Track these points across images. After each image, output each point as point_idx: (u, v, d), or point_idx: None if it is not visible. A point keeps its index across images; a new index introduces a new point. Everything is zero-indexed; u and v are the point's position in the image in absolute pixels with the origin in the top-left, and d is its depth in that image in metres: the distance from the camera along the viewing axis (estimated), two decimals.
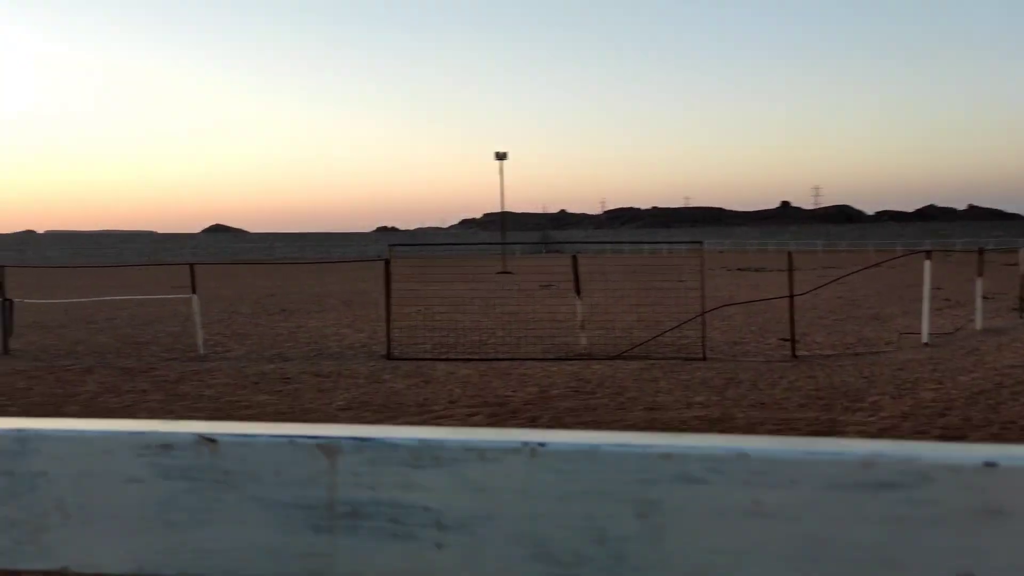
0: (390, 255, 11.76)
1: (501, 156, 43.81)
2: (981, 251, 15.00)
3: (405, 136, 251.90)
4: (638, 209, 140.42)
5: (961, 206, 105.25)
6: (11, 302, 12.16)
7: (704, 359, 10.68)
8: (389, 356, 11.01)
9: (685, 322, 12.34)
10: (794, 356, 10.87)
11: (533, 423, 7.00)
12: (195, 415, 7.51)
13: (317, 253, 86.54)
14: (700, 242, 12.32)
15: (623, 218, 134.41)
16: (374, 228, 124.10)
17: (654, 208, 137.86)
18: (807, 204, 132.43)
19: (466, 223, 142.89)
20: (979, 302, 13.97)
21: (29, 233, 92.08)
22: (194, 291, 12.08)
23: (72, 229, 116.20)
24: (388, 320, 11.34)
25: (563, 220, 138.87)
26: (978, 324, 13.64)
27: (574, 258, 11.76)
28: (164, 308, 19.42)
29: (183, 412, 7.65)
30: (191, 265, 12.30)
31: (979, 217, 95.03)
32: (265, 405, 7.93)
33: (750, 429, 6.66)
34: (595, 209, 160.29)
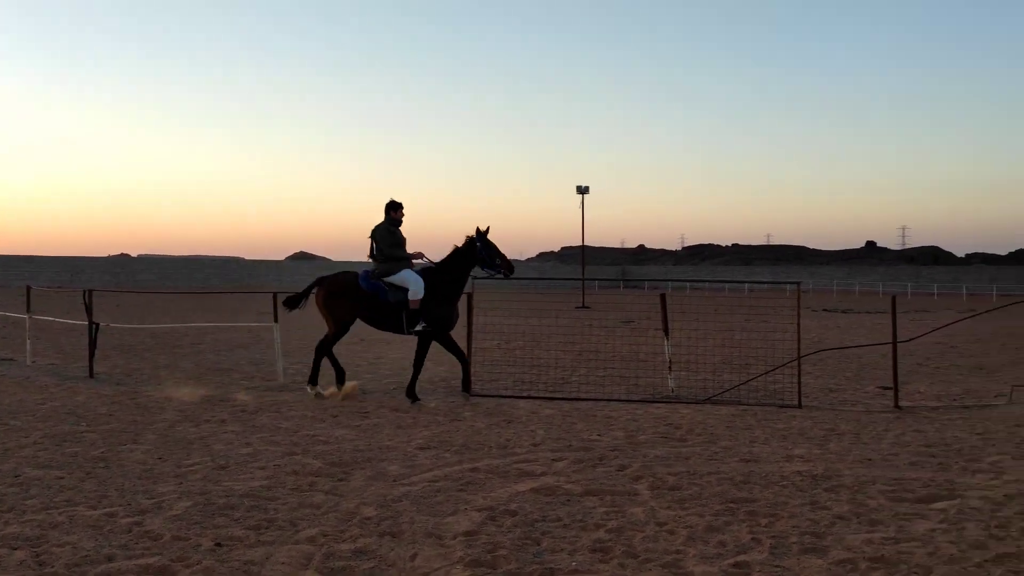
0: (473, 288, 11.57)
1: (583, 190, 43.61)
2: None
3: (484, 166, 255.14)
4: (718, 246, 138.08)
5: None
6: (97, 325, 12.42)
7: (800, 407, 10.12)
8: (470, 392, 10.77)
9: (780, 366, 11.76)
10: (897, 407, 10.19)
11: (622, 471, 6.62)
12: (271, 448, 7.38)
13: None
14: (798, 282, 11.75)
15: (703, 254, 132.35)
16: None
17: (734, 245, 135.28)
18: (894, 244, 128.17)
19: (544, 256, 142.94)
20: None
21: (123, 256, 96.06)
22: (276, 319, 12.12)
23: (164, 253, 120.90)
24: (469, 354, 11.11)
25: (642, 255, 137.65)
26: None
27: (663, 296, 11.36)
28: (249, 335, 19.73)
29: (259, 445, 7.54)
30: (274, 294, 12.36)
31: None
32: (342, 441, 7.76)
33: (859, 488, 6.14)
34: (674, 244, 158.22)
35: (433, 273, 10.38)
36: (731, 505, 5.68)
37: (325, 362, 10.53)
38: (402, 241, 10.33)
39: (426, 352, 10.40)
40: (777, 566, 4.51)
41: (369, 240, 10.32)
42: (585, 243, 55.74)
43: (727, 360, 14.96)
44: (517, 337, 17.76)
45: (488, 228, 10.40)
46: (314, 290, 10.62)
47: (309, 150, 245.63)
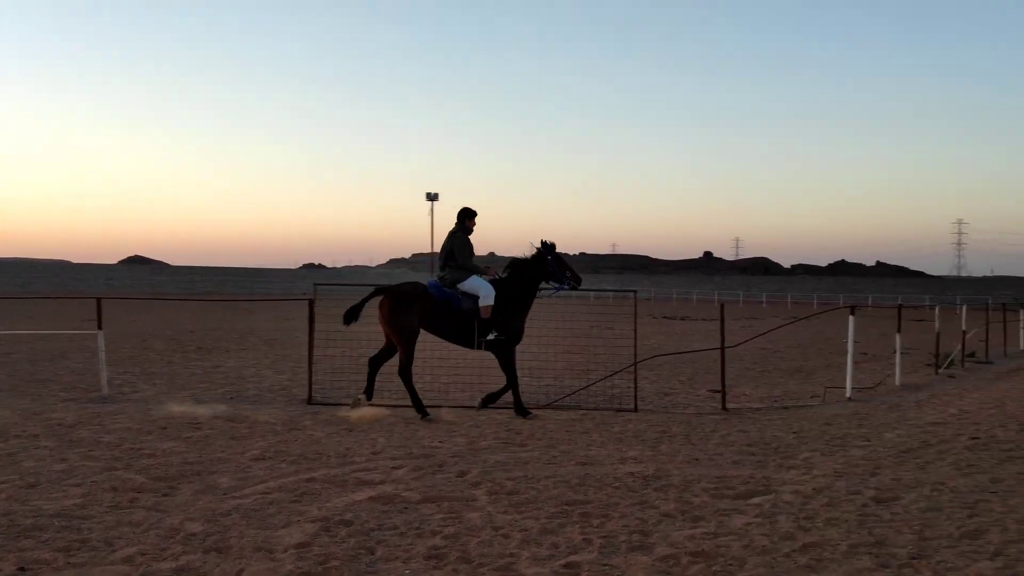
0: (315, 294, 11.29)
1: (432, 197, 43.55)
2: (900, 307, 15.35)
3: (332, 171, 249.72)
4: (566, 254, 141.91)
5: (870, 262, 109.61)
6: None
7: (636, 410, 10.51)
8: (311, 400, 10.49)
9: (618, 371, 12.17)
10: (724, 408, 10.79)
11: (461, 478, 6.64)
12: (89, 464, 6.89)
13: (240, 289, 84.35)
14: (634, 291, 12.21)
15: None
16: (300, 265, 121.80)
17: (582, 253, 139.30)
18: (728, 255, 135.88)
19: (395, 262, 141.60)
20: (898, 358, 14.25)
21: None
22: (100, 326, 11.34)
23: None
24: (310, 363, 10.84)
25: (495, 262, 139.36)
26: (897, 380, 13.89)
27: None
28: (71, 343, 18.36)
29: (76, 460, 7.02)
30: (98, 299, 11.57)
31: (886, 274, 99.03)
32: (170, 454, 7.35)
33: (686, 487, 6.44)
34: (525, 252, 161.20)
35: (502, 284, 10.06)
36: (566, 507, 5.82)
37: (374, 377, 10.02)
38: (472, 250, 9.97)
39: (513, 362, 10.00)
40: (605, 564, 4.66)
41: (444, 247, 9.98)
42: (436, 250, 55.75)
43: (570, 366, 15.33)
44: (363, 344, 17.47)
45: (554, 243, 10.24)
46: (369, 301, 9.94)
47: (149, 151, 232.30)
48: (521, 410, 9.81)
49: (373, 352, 10.26)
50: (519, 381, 10.20)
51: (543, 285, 10.31)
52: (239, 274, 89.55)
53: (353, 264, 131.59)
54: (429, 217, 44.10)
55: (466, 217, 10.11)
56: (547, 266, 10.11)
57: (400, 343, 9.69)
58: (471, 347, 10.02)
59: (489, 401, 10.14)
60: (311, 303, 10.97)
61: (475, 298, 9.77)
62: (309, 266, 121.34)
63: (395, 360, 9.94)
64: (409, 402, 9.76)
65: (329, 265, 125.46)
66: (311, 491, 6.11)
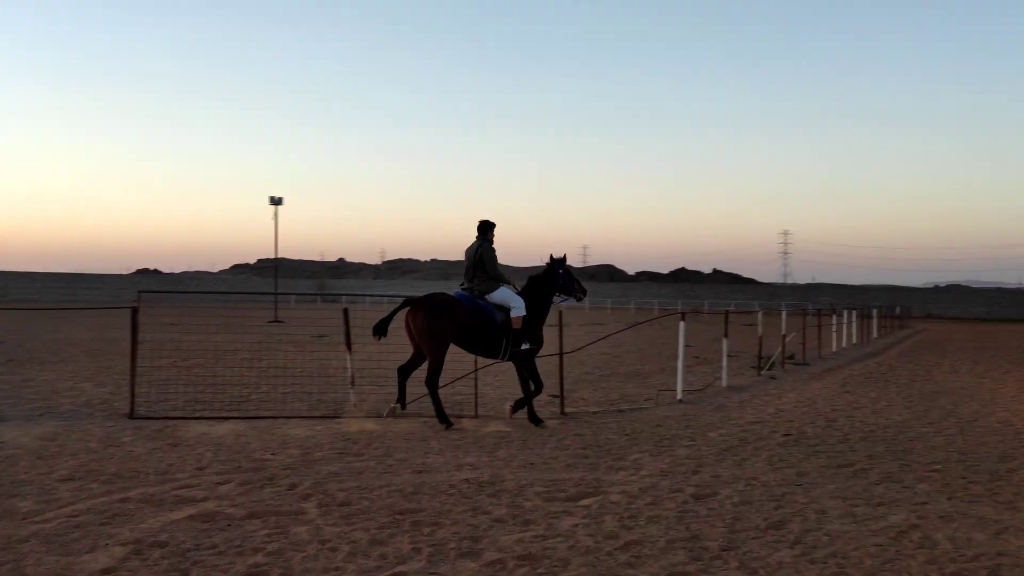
0: (140, 302, 10.65)
1: (276, 201, 42.18)
2: (727, 313, 16.27)
3: (169, 172, 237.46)
4: (418, 260, 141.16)
5: (707, 270, 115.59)
6: None
7: (476, 416, 10.57)
8: (132, 415, 9.89)
9: (461, 377, 12.21)
10: (563, 413, 11.05)
11: (292, 491, 6.44)
12: None
13: (64, 296, 78.45)
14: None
15: (403, 268, 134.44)
16: (133, 270, 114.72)
17: (433, 260, 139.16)
18: (577, 262, 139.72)
19: (238, 268, 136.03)
20: (725, 361, 15.11)
21: None
22: None
23: None
24: (133, 374, 10.20)
25: (342, 269, 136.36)
26: (724, 382, 14.72)
27: (345, 311, 11.28)
28: None
29: None
30: None
31: (721, 280, 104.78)
32: None
33: (519, 491, 6.54)
34: (375, 259, 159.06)
35: (524, 296, 10.17)
36: (398, 517, 5.76)
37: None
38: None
39: (535, 370, 10.10)
40: (433, 573, 4.64)
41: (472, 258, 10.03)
42: (282, 255, 54.06)
43: (417, 374, 15.25)
44: (197, 354, 16.69)
45: (565, 255, 10.55)
46: (399, 312, 9.83)
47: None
48: (534, 419, 9.94)
49: (401, 362, 10.24)
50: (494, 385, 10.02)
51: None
52: (63, 280, 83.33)
53: (193, 269, 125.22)
54: (273, 221, 42.48)
55: (488, 229, 10.21)
56: (559, 278, 10.44)
57: (432, 353, 9.69)
58: (497, 358, 10.14)
59: (523, 407, 10.16)
60: (134, 311, 10.34)
61: (506, 309, 9.92)
62: (143, 271, 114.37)
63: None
64: (238, 414, 9.37)
65: (166, 270, 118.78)
66: (124, 512, 5.74)
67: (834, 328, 25.68)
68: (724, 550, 5.06)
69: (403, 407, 10.06)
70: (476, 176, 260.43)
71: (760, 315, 19.88)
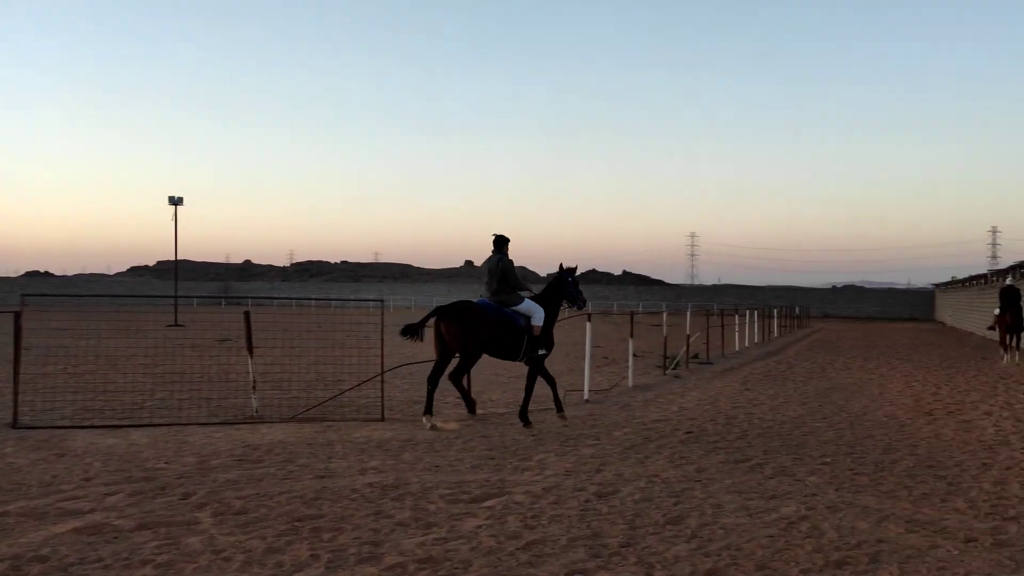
0: (23, 306, 10.11)
1: (176, 201, 40.78)
2: (632, 314, 16.59)
3: (59, 171, 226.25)
4: (327, 263, 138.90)
5: (617, 271, 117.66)
6: None
7: (383, 419, 10.46)
8: (15, 424, 9.37)
9: (365, 381, 12.06)
10: (471, 414, 11.03)
11: (185, 500, 6.22)
12: None
13: None
14: (381, 300, 12.17)
15: (312, 270, 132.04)
16: (22, 272, 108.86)
17: (343, 262, 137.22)
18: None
19: (137, 270, 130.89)
20: (631, 360, 15.40)
21: None
22: None
23: None
24: (16, 381, 9.67)
25: (248, 271, 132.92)
26: (630, 381, 15.00)
27: (247, 314, 10.99)
28: None
29: None
30: None
31: (631, 282, 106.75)
32: None
33: (423, 494, 6.49)
34: (283, 261, 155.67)
35: (539, 303, 10.85)
36: (297, 524, 5.64)
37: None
38: None
39: (545, 370, 10.75)
40: None
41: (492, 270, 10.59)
42: (184, 257, 52.29)
43: (321, 376, 14.99)
44: (89, 360, 15.97)
45: (576, 266, 11.25)
46: (431, 320, 10.32)
47: None
48: (527, 419, 10.34)
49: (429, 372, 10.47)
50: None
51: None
52: None
53: (88, 272, 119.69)
54: (173, 222, 41.07)
55: (505, 243, 10.84)
56: (567, 287, 11.08)
57: (466, 356, 10.38)
58: (515, 360, 10.77)
59: (559, 408, 10.81)
60: (17, 315, 9.80)
61: (527, 316, 10.59)
62: (32, 274, 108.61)
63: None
64: (132, 422, 9.01)
65: (58, 273, 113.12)
66: (2, 527, 5.42)
67: (737, 328, 26.52)
68: (623, 546, 5.14)
69: (473, 411, 10.89)
70: (387, 176, 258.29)
71: (665, 316, 20.34)
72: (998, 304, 21.56)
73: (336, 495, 6.45)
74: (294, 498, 6.34)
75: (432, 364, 10.46)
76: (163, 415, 10.51)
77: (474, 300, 10.68)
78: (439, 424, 10.10)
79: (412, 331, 10.29)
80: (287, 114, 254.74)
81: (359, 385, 11.90)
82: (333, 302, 75.38)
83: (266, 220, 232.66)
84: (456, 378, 10.66)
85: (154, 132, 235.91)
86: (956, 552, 5.05)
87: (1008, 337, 21.08)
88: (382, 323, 11.50)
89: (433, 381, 10.28)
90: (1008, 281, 22.89)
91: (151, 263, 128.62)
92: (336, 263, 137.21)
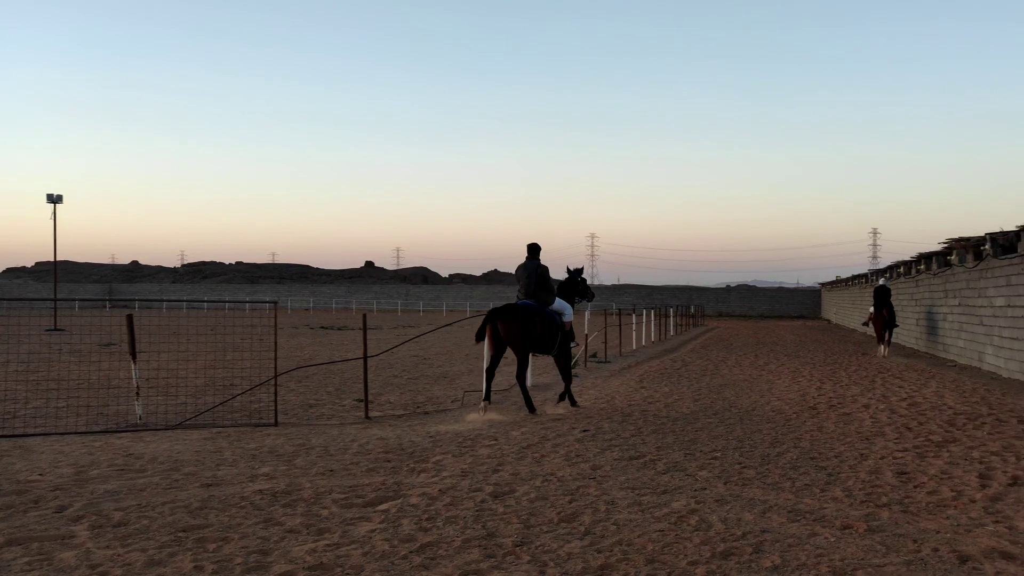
0: None
1: (55, 199, 38.67)
2: None
3: None
4: (221, 263, 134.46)
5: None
6: None
7: (276, 424, 10.19)
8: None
9: (258, 385, 11.72)
10: (368, 417, 10.88)
11: (60, 513, 5.88)
12: None
13: None
14: (275, 301, 11.86)
15: (205, 272, 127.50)
16: None
17: (238, 263, 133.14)
18: (390, 264, 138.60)
19: (13, 271, 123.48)
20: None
21: None
22: None
23: None
24: None
25: (135, 272, 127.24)
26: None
27: (129, 317, 10.50)
28: None
29: None
30: None
31: None
32: None
33: (316, 500, 6.34)
34: (173, 262, 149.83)
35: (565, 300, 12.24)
36: (181, 535, 5.41)
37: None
38: None
39: (570, 362, 12.17)
40: None
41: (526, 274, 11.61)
42: (65, 258, 49.67)
43: (212, 381, 14.50)
44: None
45: (583, 267, 12.81)
46: (489, 322, 11.26)
47: None
48: (571, 399, 11.91)
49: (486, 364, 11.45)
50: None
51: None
52: None
53: None
54: (52, 221, 38.96)
55: (538, 250, 11.89)
56: (578, 286, 12.52)
57: (521, 353, 11.37)
58: (549, 354, 11.79)
59: (572, 400, 11.97)
60: None
61: (560, 314, 11.78)
62: None
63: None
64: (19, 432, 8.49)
65: None
66: None
67: (634, 327, 27.10)
68: (517, 545, 5.15)
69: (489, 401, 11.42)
70: (284, 176, 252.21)
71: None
72: (872, 302, 23.89)
73: (224, 503, 6.23)
74: (178, 508, 6.09)
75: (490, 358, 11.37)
76: (38, 424, 9.94)
77: (518, 303, 11.58)
78: (494, 415, 10.95)
79: (482, 334, 11.40)
80: (178, 111, 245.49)
81: (251, 389, 11.56)
82: (227, 304, 73.13)
83: (155, 220, 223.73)
84: (493, 373, 11.36)
85: (31, 128, 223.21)
86: (833, 539, 5.28)
87: (882, 332, 23.19)
88: (275, 325, 11.20)
89: (490, 374, 11.28)
90: (881, 281, 25.17)
91: (29, 264, 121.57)
92: (231, 264, 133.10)
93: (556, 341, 11.62)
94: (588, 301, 12.90)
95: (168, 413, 10.84)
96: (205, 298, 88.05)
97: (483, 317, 11.51)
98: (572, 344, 11.97)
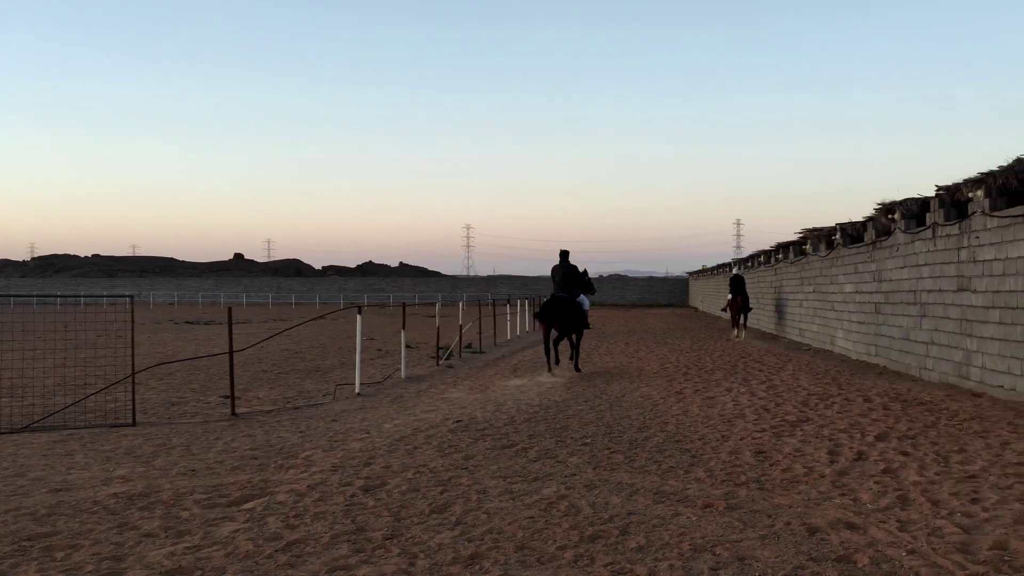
0: None
1: None
2: (404, 306, 16.58)
3: None
4: (76, 256, 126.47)
5: (394, 263, 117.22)
6: None
7: (135, 424, 9.68)
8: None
9: (114, 384, 11.10)
10: (234, 414, 10.50)
11: None
12: None
13: None
14: (131, 296, 11.24)
15: (57, 265, 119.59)
16: None
17: (95, 256, 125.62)
18: (260, 257, 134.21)
19: None
20: (403, 352, 15.38)
21: None
22: None
23: None
24: None
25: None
26: (403, 373, 14.98)
27: None
28: None
29: None
30: None
31: (408, 273, 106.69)
32: None
33: (176, 501, 6.06)
34: (22, 255, 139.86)
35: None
36: (25, 544, 5.05)
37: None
38: None
39: (578, 343, 15.61)
40: None
41: (562, 273, 15.19)
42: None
43: (65, 381, 13.62)
44: None
45: (586, 269, 15.92)
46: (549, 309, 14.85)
47: None
48: (578, 367, 15.35)
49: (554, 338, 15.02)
50: None
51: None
52: None
53: None
54: None
55: (568, 254, 15.35)
56: (583, 279, 15.47)
57: (564, 331, 14.96)
58: (573, 334, 15.19)
59: (577, 367, 15.35)
60: None
61: (581, 304, 15.24)
62: None
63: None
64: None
65: None
66: None
67: (508, 317, 27.35)
68: (387, 539, 5.09)
69: (558, 362, 15.24)
70: (145, 168, 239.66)
71: (439, 307, 20.53)
72: (729, 290, 25.74)
73: (74, 509, 5.86)
74: (23, 515, 5.68)
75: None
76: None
77: (560, 296, 14.88)
78: (555, 372, 14.72)
79: (547, 319, 14.79)
80: (25, 97, 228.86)
81: (107, 388, 10.93)
82: (82, 299, 68.90)
83: (1, 211, 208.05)
84: (557, 343, 15.10)
85: None
86: (695, 518, 5.49)
87: (737, 317, 25.37)
88: (132, 320, 10.62)
89: (548, 348, 14.85)
90: (735, 271, 27.43)
91: None
92: (87, 257, 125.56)
93: (582, 324, 15.27)
94: (591, 295, 15.95)
95: (14, 416, 10.11)
96: (58, 292, 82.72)
97: (542, 305, 15.22)
98: (590, 327, 16.20)
